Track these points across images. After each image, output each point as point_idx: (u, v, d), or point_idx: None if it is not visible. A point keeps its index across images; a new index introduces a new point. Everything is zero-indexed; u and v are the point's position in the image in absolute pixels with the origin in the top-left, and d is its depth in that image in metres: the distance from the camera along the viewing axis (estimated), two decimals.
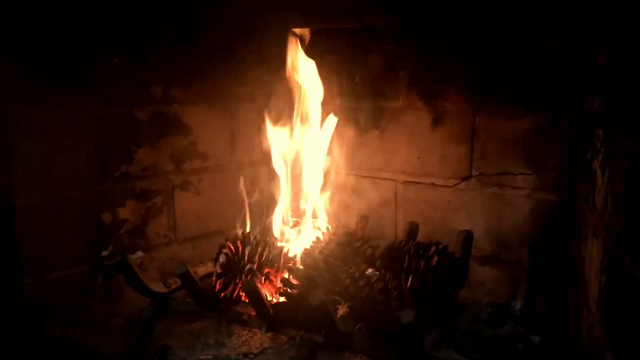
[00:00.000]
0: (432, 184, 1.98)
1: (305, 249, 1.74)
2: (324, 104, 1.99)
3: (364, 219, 1.95)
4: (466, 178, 1.90)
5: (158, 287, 1.77)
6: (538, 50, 1.67)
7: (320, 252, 1.69)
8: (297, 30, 1.93)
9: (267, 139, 1.97)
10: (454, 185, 1.94)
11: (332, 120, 1.95)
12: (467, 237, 1.75)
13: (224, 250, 1.72)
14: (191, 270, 1.63)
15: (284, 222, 1.92)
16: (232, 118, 2.13)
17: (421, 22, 1.61)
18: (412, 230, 1.86)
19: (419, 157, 1.99)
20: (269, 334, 1.63)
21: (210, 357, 1.60)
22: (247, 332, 1.69)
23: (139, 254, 1.94)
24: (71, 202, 1.80)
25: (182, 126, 2.01)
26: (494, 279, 1.88)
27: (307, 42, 1.95)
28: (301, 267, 1.66)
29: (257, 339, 1.67)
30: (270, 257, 1.70)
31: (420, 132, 1.97)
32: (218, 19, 1.90)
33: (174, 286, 1.79)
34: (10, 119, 1.65)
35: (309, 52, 1.95)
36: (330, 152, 2.00)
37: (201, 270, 1.83)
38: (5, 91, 1.63)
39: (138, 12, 1.76)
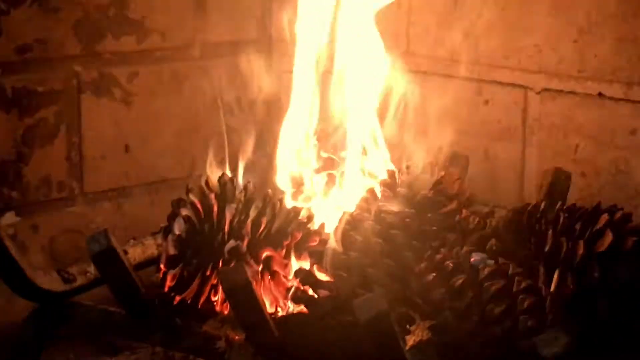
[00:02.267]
0: (600, 94, 2.00)
1: (347, 214, 1.74)
2: None
3: (460, 160, 1.99)
4: None
5: (50, 281, 1.78)
6: None
7: (376, 219, 1.69)
8: None
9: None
10: None
11: None
12: None
13: (183, 212, 1.72)
14: (119, 249, 1.63)
15: (304, 161, 1.94)
16: None
17: None
18: (558, 184, 1.89)
19: (575, 40, 2.01)
20: None
21: None
22: None
23: (11, 217, 1.99)
24: None
25: None
26: None
27: None
28: (338, 248, 1.67)
29: None
30: (276, 227, 1.72)
31: None
32: None
33: (79, 281, 1.81)
34: None
35: None
36: (396, 27, 2.04)
37: (135, 252, 1.85)
38: None
39: None
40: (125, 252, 1.70)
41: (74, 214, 2.08)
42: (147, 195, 2.16)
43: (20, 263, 1.71)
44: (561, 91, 2.06)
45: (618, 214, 1.71)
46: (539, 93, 2.09)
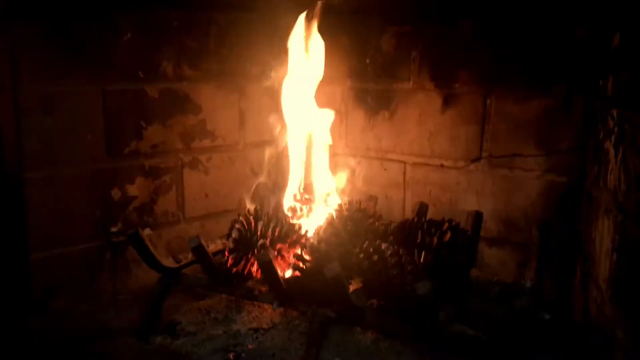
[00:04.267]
0: (442, 165, 1.99)
1: (318, 225, 1.73)
2: (334, 84, 2.01)
3: (373, 199, 1.95)
4: (476, 159, 1.92)
5: (169, 262, 1.75)
6: (552, 34, 1.70)
7: (333, 228, 1.68)
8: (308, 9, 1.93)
9: (276, 119, 1.97)
10: (463, 166, 1.94)
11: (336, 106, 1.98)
12: (477, 216, 1.76)
13: (237, 226, 1.70)
14: (204, 244, 1.61)
15: (295, 200, 1.91)
16: (241, 97, 2.10)
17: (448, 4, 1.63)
18: (422, 210, 1.86)
19: (428, 139, 2.00)
20: (280, 310, 1.62)
21: (219, 332, 1.61)
22: (257, 307, 1.69)
23: (147, 231, 1.86)
24: (81, 178, 1.80)
25: (192, 104, 2.00)
26: (501, 260, 1.90)
27: (317, 21, 1.93)
28: (314, 242, 1.65)
29: (267, 314, 1.66)
30: (283, 233, 1.68)
31: (431, 114, 1.99)
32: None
33: (184, 262, 1.78)
34: (22, 95, 1.66)
35: (320, 31, 1.94)
36: (340, 133, 2.03)
37: (211, 248, 1.80)
38: (17, 68, 1.63)
39: None
40: (207, 246, 1.67)
41: (179, 229, 2.02)
42: (215, 220, 2.08)
43: (154, 253, 1.69)
44: (422, 164, 2.05)
45: (454, 223, 1.70)
46: (411, 165, 2.07)
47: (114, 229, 1.87)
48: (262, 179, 2.00)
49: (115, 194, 1.87)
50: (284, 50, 1.96)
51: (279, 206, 1.91)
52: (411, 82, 2.01)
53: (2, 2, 1.57)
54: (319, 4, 1.89)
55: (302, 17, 1.91)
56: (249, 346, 1.55)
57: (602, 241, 1.50)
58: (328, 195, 1.93)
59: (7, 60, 1.63)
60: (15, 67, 1.64)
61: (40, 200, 1.73)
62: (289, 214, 1.89)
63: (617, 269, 1.38)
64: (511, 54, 1.79)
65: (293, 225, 1.73)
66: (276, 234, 1.67)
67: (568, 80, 1.71)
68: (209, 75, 2.02)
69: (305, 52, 1.94)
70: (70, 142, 1.76)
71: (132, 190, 1.91)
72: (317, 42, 1.94)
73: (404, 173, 2.07)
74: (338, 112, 2.04)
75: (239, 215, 1.74)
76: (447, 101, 1.95)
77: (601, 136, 1.57)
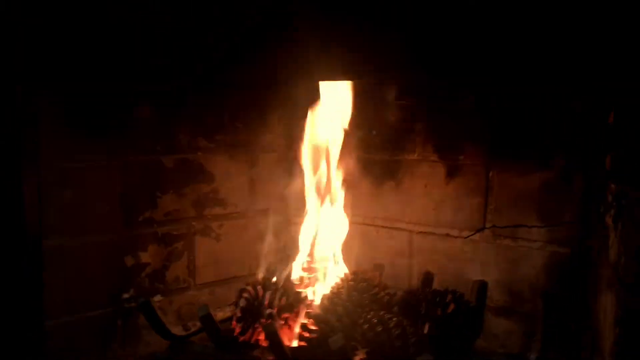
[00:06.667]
0: (447, 234, 1.99)
1: (324, 295, 1.75)
2: (342, 154, 2.04)
3: (379, 267, 1.95)
4: (480, 229, 1.91)
5: (177, 330, 1.77)
6: (554, 110, 1.73)
7: (338, 298, 1.69)
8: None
9: (286, 187, 2.02)
10: (468, 236, 1.94)
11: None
12: (482, 286, 1.76)
13: (244, 295, 1.72)
14: (212, 313, 1.65)
15: (303, 269, 1.93)
16: (253, 166, 2.14)
17: (452, 81, 1.66)
18: (427, 279, 1.87)
19: (434, 208, 2.01)
20: None
21: None
22: None
23: (158, 297, 1.94)
24: (96, 246, 1.83)
25: (206, 173, 2.04)
26: (507, 330, 1.87)
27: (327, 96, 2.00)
28: (320, 312, 1.67)
29: None
30: (290, 302, 1.70)
31: (436, 184, 2.00)
32: (243, 80, 1.97)
33: (192, 329, 1.79)
34: (43, 169, 1.71)
35: (328, 104, 2.01)
36: (347, 202, 2.04)
37: (219, 315, 1.83)
38: (40, 144, 1.70)
39: (171, 76, 1.83)
40: (215, 315, 1.69)
41: (190, 296, 2.04)
42: (226, 286, 2.08)
43: (163, 321, 1.72)
44: (428, 233, 2.04)
45: (457, 294, 1.70)
46: (417, 234, 2.07)
47: (125, 295, 1.89)
48: (271, 246, 2.01)
49: (129, 261, 1.90)
50: (295, 122, 2.03)
51: (288, 274, 1.91)
52: (416, 154, 2.03)
53: (27, 84, 1.65)
54: (332, 82, 1.96)
55: (313, 91, 1.98)
56: None
57: (605, 314, 1.49)
58: (335, 264, 1.94)
59: (32, 137, 1.69)
60: (39, 143, 1.70)
61: (57, 268, 1.76)
62: (297, 282, 1.90)
63: (620, 343, 1.37)
64: (510, 128, 1.82)
65: (300, 294, 1.75)
66: (282, 302, 1.69)
67: (567, 154, 1.72)
68: (223, 146, 2.07)
69: (315, 123, 2.02)
70: (88, 212, 1.80)
71: (145, 257, 1.93)
72: (326, 114, 2.01)
73: (410, 242, 2.07)
74: (346, 182, 2.06)
75: (247, 283, 1.77)
76: (452, 172, 1.96)
77: (602, 210, 1.59)
